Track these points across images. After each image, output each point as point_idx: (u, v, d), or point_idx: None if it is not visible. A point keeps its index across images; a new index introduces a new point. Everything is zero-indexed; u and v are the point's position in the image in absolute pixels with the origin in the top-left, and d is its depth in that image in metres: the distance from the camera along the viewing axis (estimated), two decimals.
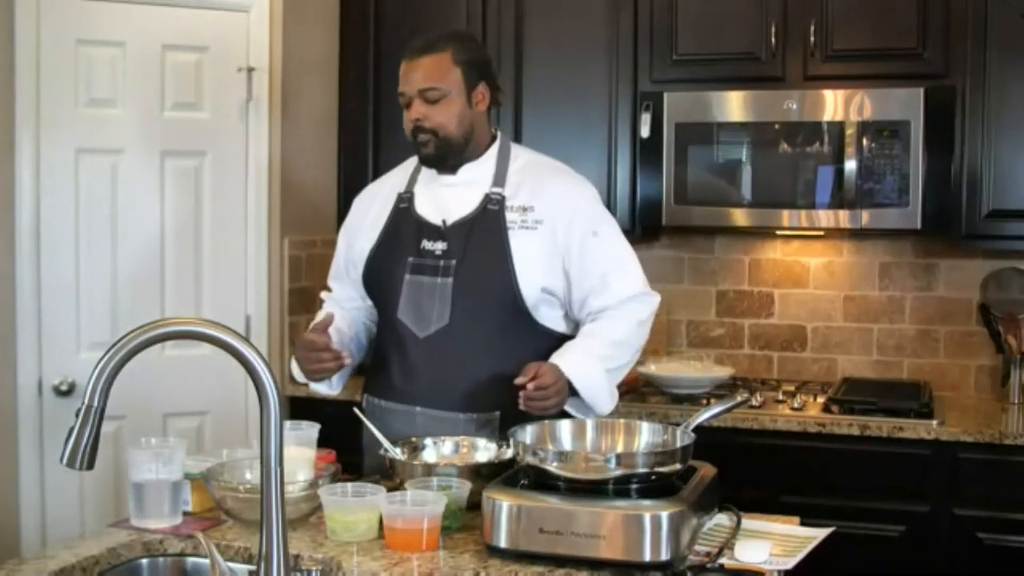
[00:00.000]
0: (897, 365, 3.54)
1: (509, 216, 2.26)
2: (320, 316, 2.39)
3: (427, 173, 2.36)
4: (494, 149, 2.34)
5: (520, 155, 2.37)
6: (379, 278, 2.32)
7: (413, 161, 2.42)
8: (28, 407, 3.06)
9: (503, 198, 2.28)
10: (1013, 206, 3.12)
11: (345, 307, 2.46)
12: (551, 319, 2.30)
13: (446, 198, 2.31)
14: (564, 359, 2.19)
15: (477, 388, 2.22)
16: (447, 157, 2.29)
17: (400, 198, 2.36)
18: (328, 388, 2.38)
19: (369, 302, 2.42)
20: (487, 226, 2.26)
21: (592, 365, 2.21)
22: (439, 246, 2.26)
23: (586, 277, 2.27)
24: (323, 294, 2.57)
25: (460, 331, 2.22)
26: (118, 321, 3.15)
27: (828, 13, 3.23)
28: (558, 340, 2.29)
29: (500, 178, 2.31)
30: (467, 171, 2.32)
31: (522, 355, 2.20)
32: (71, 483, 3.03)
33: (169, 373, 3.21)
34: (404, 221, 2.32)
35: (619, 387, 2.35)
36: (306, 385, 2.37)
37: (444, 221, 2.28)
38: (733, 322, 3.69)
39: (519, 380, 2.09)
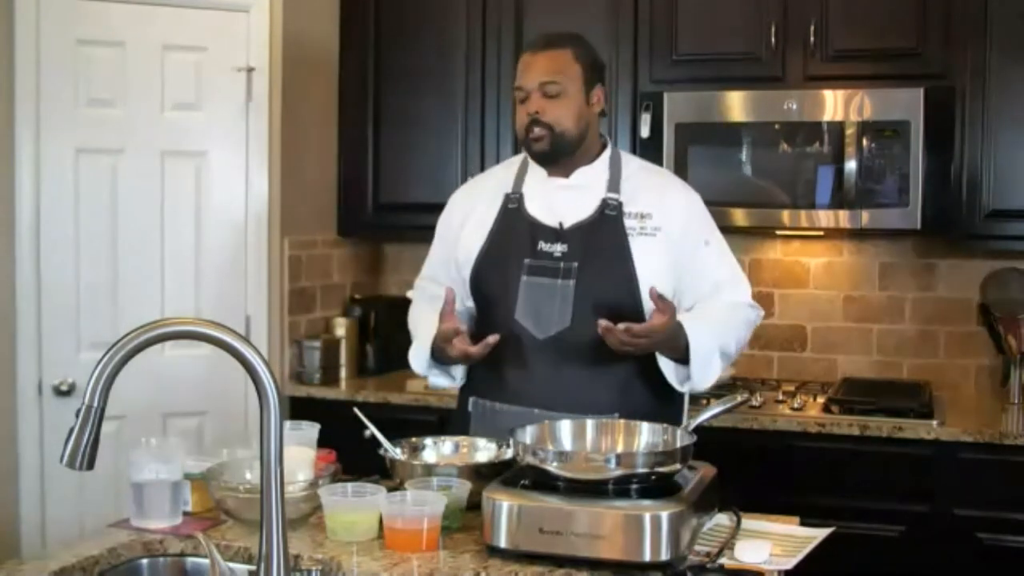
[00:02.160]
0: (897, 365, 3.54)
1: (627, 222, 2.25)
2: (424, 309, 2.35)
3: (536, 174, 2.33)
4: (606, 155, 2.33)
5: (630, 162, 2.37)
6: (491, 278, 2.28)
7: (516, 160, 2.40)
8: (28, 407, 3.06)
9: (620, 204, 2.27)
10: (1013, 206, 3.13)
11: (436, 297, 2.37)
12: None
13: (560, 200, 2.28)
14: (688, 323, 2.18)
15: (595, 390, 2.22)
16: (560, 155, 2.27)
17: (508, 198, 2.31)
18: (450, 380, 2.33)
19: (468, 304, 2.36)
20: (607, 231, 2.24)
21: (708, 336, 2.20)
22: (558, 248, 2.23)
23: (699, 285, 2.28)
24: (410, 293, 2.50)
25: (580, 333, 2.19)
26: (118, 321, 3.15)
27: (828, 13, 3.23)
28: None
29: (615, 184, 2.29)
30: (581, 174, 2.30)
31: (636, 359, 2.22)
32: (71, 483, 3.03)
33: (169, 373, 3.21)
34: (515, 221, 2.29)
35: None
36: (424, 381, 2.36)
37: (561, 224, 2.25)
38: None
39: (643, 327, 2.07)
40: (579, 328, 2.19)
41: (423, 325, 2.30)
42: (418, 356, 2.28)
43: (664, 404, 2.29)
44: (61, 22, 3.08)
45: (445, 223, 2.43)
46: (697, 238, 2.30)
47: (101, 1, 3.14)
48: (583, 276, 2.21)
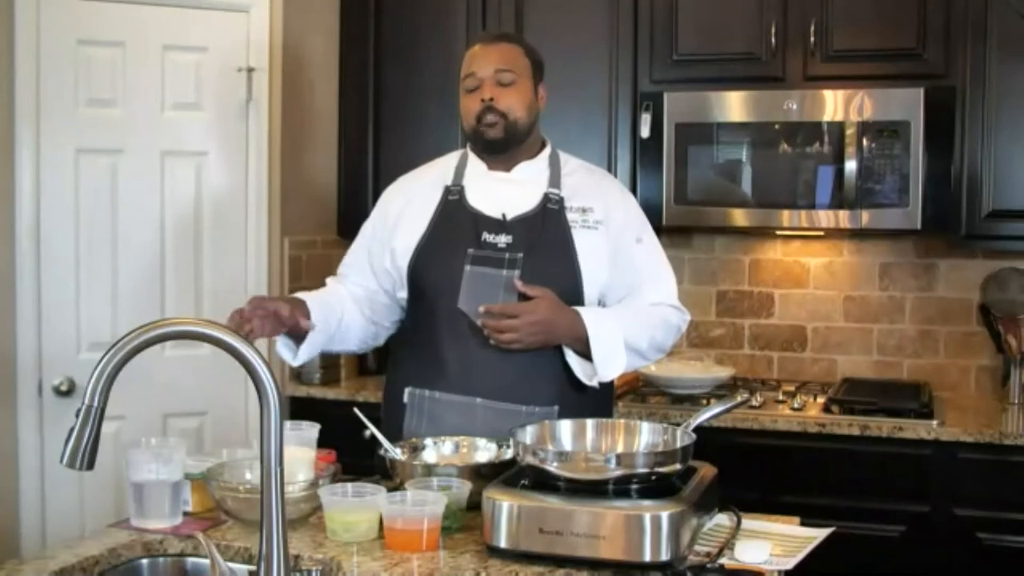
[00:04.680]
0: (897, 365, 3.54)
1: (570, 216, 2.30)
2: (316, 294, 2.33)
3: (476, 167, 2.35)
4: (546, 152, 2.38)
5: (569, 160, 2.41)
6: (432, 268, 2.28)
7: (454, 155, 2.42)
8: (28, 407, 3.06)
9: (562, 198, 2.31)
10: (1013, 206, 3.13)
11: (355, 293, 2.41)
12: None
13: (502, 193, 2.31)
14: (589, 314, 2.23)
15: (539, 381, 2.24)
16: (510, 143, 2.30)
17: (448, 190, 2.33)
18: (291, 356, 2.30)
19: (399, 295, 2.37)
20: (550, 223, 2.28)
21: (612, 325, 2.23)
22: (503, 239, 2.26)
23: (624, 281, 2.33)
24: (329, 279, 2.50)
25: None
26: (118, 321, 3.15)
27: (828, 13, 3.23)
28: None
29: (555, 180, 2.33)
30: (523, 169, 2.34)
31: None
32: (71, 483, 3.03)
33: (169, 373, 3.21)
34: (456, 213, 2.31)
35: (620, 386, 2.38)
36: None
37: (504, 215, 2.28)
38: (733, 322, 3.69)
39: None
40: None
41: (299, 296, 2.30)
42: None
43: (600, 399, 2.34)
44: (61, 22, 3.08)
45: (380, 216, 2.42)
46: (631, 234, 2.36)
47: (101, 1, 3.13)
48: (527, 267, 2.23)
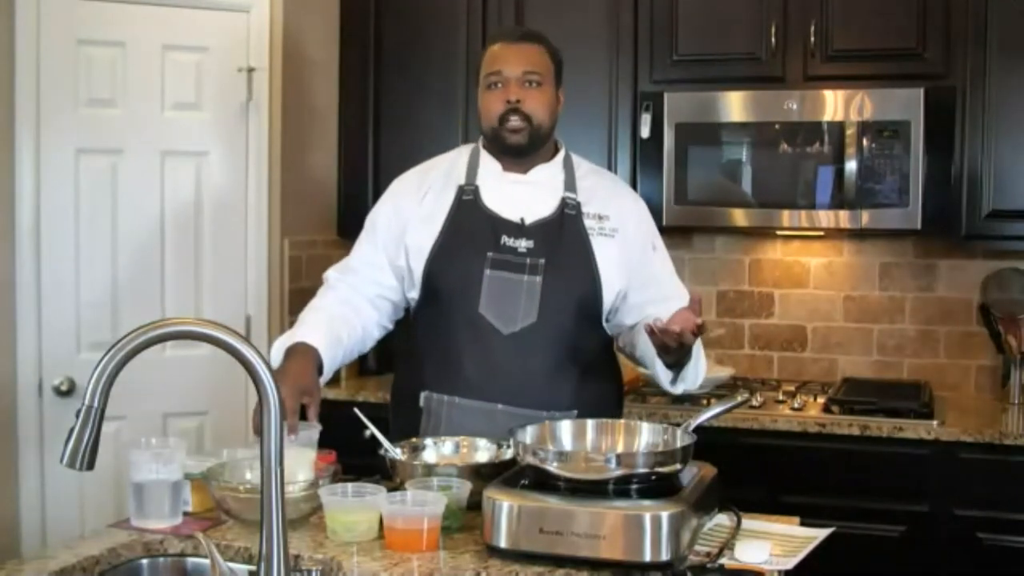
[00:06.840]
0: (897, 365, 3.54)
1: (587, 223, 2.28)
2: (314, 329, 2.25)
3: (490, 167, 2.31)
4: (560, 156, 2.35)
5: (581, 164, 2.38)
6: (450, 270, 2.25)
7: (464, 151, 2.38)
8: (28, 407, 3.06)
9: (579, 204, 2.29)
10: (1013, 206, 3.13)
11: (367, 293, 2.36)
12: (603, 322, 2.35)
13: (519, 196, 2.28)
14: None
15: (559, 386, 2.23)
16: (532, 148, 2.27)
17: (463, 190, 2.29)
18: None
19: (409, 295, 2.34)
20: (569, 229, 2.26)
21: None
22: (523, 244, 2.23)
23: (646, 287, 2.31)
24: (330, 272, 2.44)
25: (546, 329, 2.20)
26: (118, 321, 3.15)
27: (828, 13, 3.23)
28: (609, 342, 2.38)
29: (571, 184, 2.31)
30: (539, 172, 2.31)
31: (590, 355, 2.27)
32: (71, 483, 3.03)
33: (169, 373, 3.21)
34: (472, 214, 2.27)
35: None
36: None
37: (522, 219, 2.25)
38: (733, 322, 3.69)
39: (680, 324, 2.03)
40: (545, 324, 2.20)
41: (312, 325, 2.25)
42: (278, 350, 2.20)
43: (612, 402, 2.37)
44: (61, 22, 3.08)
45: (391, 211, 2.35)
46: (646, 241, 2.36)
47: (101, 1, 3.13)
48: (548, 272, 2.21)
